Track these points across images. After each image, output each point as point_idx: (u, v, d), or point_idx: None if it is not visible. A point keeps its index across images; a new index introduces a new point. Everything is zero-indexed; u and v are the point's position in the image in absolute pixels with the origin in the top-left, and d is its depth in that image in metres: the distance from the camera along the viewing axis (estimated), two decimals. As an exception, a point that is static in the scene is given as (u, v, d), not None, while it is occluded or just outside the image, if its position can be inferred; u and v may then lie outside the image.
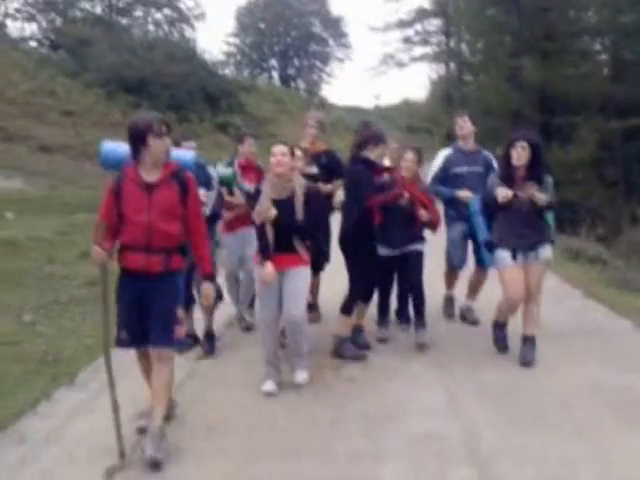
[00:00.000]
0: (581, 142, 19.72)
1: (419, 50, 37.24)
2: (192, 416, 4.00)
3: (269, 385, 4.34)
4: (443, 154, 5.93)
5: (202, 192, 4.50)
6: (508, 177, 4.81)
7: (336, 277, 5.56)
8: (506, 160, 4.83)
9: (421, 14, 35.93)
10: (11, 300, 6.55)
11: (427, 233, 5.45)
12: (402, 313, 5.83)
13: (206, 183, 4.96)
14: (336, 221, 5.32)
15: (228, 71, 37.37)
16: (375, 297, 5.53)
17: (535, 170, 4.77)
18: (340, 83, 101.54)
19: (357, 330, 5.23)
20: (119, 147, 3.77)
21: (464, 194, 5.64)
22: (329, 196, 5.41)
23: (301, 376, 4.49)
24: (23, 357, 5.02)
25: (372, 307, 5.52)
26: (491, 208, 4.92)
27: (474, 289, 6.00)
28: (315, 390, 4.43)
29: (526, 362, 4.82)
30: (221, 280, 5.49)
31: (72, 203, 12.97)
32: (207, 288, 3.70)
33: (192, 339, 5.24)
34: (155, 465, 3.28)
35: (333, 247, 5.35)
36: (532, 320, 4.96)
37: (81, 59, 24.52)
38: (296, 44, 46.42)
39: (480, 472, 3.28)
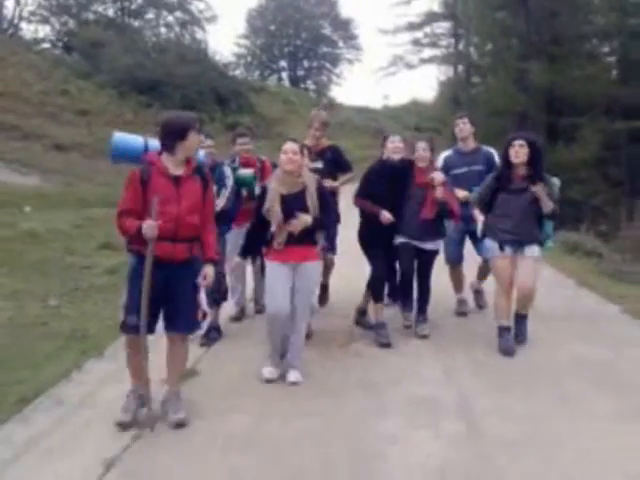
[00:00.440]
0: (584, 142, 19.96)
1: (428, 52, 37.13)
2: (213, 381, 4.41)
3: (269, 371, 4.45)
4: (443, 156, 6.16)
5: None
6: (507, 175, 5.00)
7: (342, 259, 5.85)
8: (505, 159, 5.02)
9: (430, 17, 35.95)
10: (36, 287, 6.90)
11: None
12: (394, 293, 5.82)
13: (219, 181, 5.12)
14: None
15: (238, 72, 37.40)
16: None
17: (534, 168, 4.94)
18: (349, 84, 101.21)
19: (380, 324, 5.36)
20: (130, 138, 3.99)
21: (461, 194, 5.78)
22: (333, 192, 5.63)
23: (294, 375, 4.44)
24: (52, 335, 5.32)
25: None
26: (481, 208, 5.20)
27: (483, 273, 6.23)
28: (323, 363, 4.81)
29: (518, 340, 5.14)
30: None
31: (87, 199, 13.34)
32: (208, 269, 3.79)
33: (217, 332, 5.42)
34: (181, 425, 3.66)
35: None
36: (526, 300, 5.13)
37: (94, 61, 24.96)
38: (306, 46, 46.36)
39: (469, 426, 3.72)
